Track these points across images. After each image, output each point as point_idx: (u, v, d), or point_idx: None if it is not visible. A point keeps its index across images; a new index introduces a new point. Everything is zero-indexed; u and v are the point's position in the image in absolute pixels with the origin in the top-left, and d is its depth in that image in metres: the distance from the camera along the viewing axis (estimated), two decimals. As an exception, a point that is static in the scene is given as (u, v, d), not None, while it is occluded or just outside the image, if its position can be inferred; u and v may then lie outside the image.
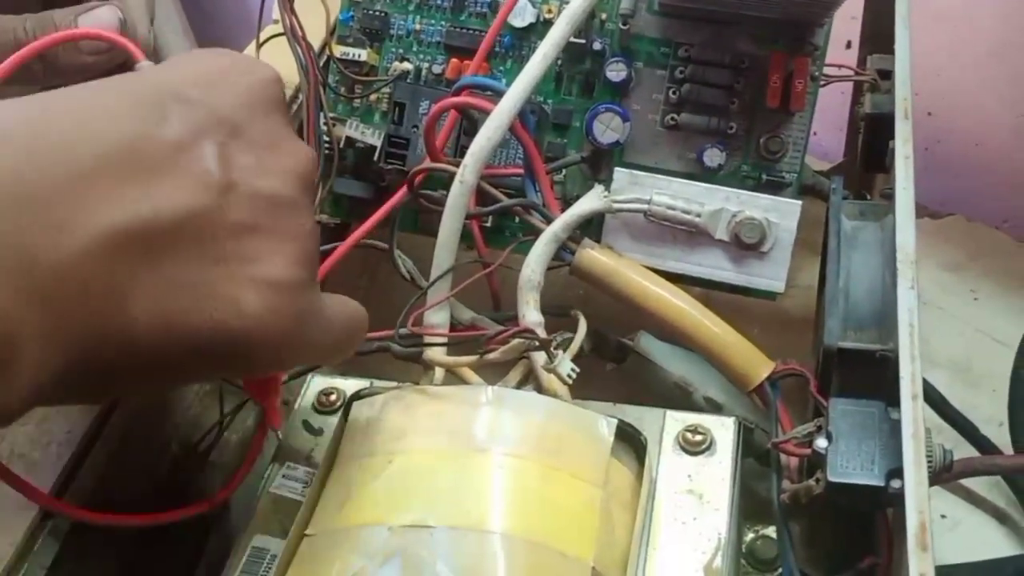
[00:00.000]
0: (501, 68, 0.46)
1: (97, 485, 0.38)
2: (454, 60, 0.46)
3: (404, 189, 0.43)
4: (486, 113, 0.39)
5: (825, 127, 0.54)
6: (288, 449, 0.41)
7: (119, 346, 0.27)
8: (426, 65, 0.47)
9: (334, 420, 0.41)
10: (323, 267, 0.41)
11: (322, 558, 0.34)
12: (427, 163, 0.40)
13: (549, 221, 0.40)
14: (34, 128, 0.26)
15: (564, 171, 0.46)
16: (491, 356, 0.37)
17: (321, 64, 0.48)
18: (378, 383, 0.42)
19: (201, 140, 0.28)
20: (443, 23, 0.47)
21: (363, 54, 0.46)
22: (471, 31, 0.46)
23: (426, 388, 0.37)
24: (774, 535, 0.39)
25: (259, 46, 0.48)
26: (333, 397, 0.42)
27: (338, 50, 0.46)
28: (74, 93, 0.28)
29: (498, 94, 0.39)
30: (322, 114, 0.46)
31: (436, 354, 0.38)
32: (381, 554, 0.32)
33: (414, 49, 0.47)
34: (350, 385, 0.42)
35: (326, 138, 0.46)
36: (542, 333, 0.38)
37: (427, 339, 0.38)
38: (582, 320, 0.40)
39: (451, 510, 0.33)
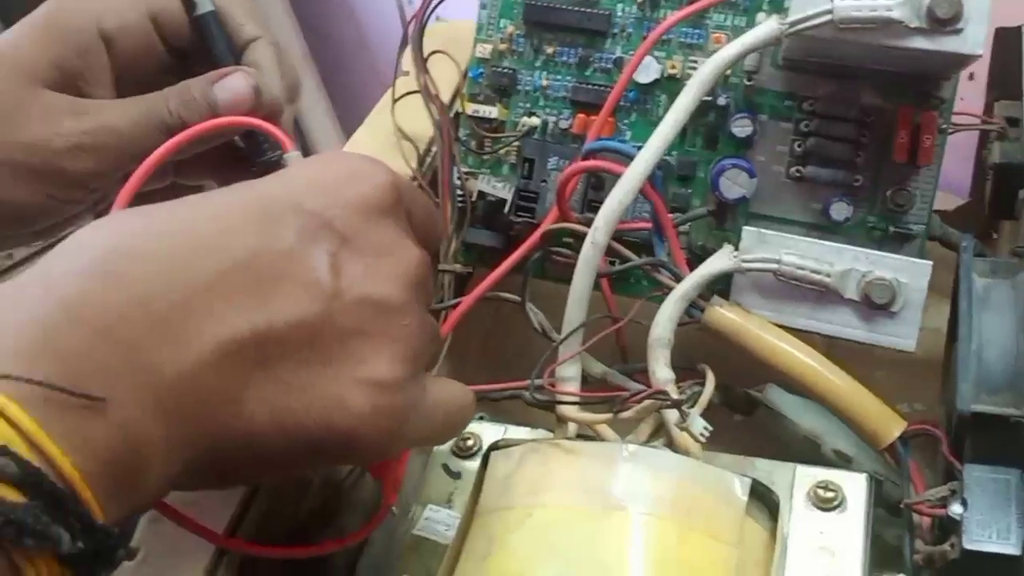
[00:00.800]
0: (626, 121, 0.47)
1: (260, 525, 0.41)
2: (580, 115, 0.48)
3: (529, 242, 0.44)
4: (615, 175, 0.41)
5: (948, 157, 0.54)
6: (429, 492, 0.43)
7: (236, 447, 0.29)
8: (553, 119, 0.48)
9: (471, 464, 0.43)
10: (450, 320, 0.43)
11: (468, 609, 0.36)
12: (559, 223, 0.42)
13: (678, 279, 0.41)
14: (160, 245, 0.28)
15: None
16: (624, 414, 0.38)
17: (452, 114, 0.50)
18: (512, 430, 0.44)
19: (313, 250, 0.30)
20: (569, 78, 0.48)
21: (493, 111, 0.48)
22: (596, 87, 0.47)
23: (561, 443, 0.39)
24: (902, 584, 0.40)
25: (395, 100, 0.50)
26: (470, 443, 0.44)
27: (469, 108, 0.48)
28: (196, 206, 0.30)
29: (627, 157, 0.41)
30: (455, 168, 0.48)
31: (570, 410, 0.40)
32: (524, 608, 0.34)
33: (541, 104, 0.49)
34: (486, 430, 0.44)
35: (459, 192, 0.48)
36: (673, 390, 0.39)
37: (558, 396, 0.40)
38: (710, 375, 0.41)
39: (590, 568, 0.34)
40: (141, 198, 0.34)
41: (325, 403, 0.30)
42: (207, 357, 0.28)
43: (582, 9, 0.47)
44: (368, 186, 0.33)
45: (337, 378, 0.30)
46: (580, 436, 0.40)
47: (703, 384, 0.41)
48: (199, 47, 0.42)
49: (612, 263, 0.44)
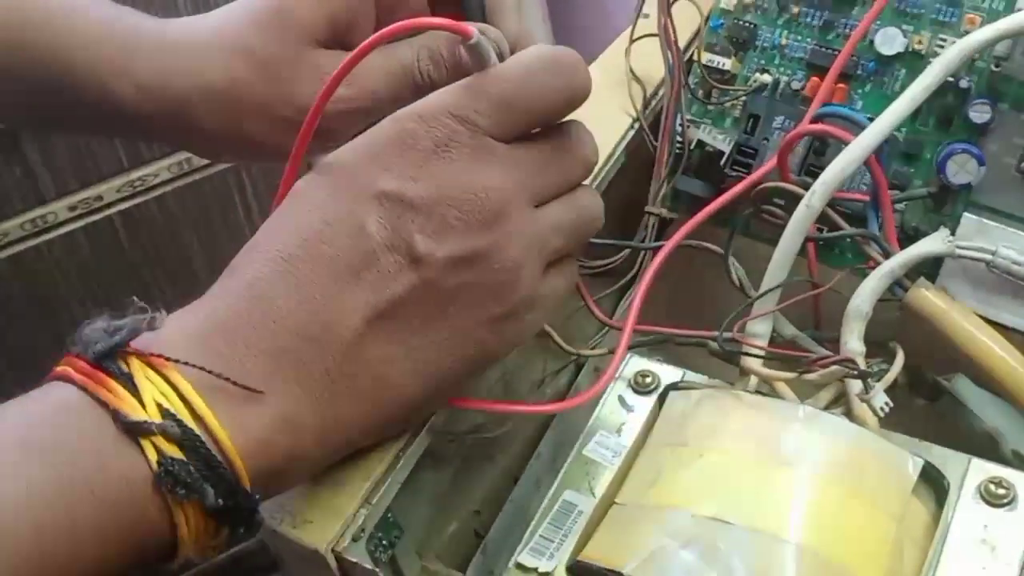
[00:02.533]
0: (859, 91, 0.47)
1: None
2: (814, 78, 0.48)
3: (732, 193, 0.45)
4: (843, 142, 0.41)
5: None
6: (602, 419, 0.45)
7: (392, 412, 0.35)
8: (785, 79, 0.48)
9: (646, 401, 0.45)
10: (655, 264, 0.45)
11: (628, 528, 0.38)
12: (776, 182, 0.43)
13: (887, 255, 0.41)
14: (285, 268, 0.33)
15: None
16: (809, 376, 0.39)
17: (684, 61, 0.51)
18: (690, 375, 0.45)
19: (392, 233, 0.34)
20: (809, 40, 0.48)
21: (727, 63, 0.49)
22: (836, 52, 0.47)
23: (740, 394, 0.40)
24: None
25: (632, 41, 0.52)
26: (648, 380, 0.45)
27: (705, 57, 0.49)
28: (300, 226, 0.34)
29: (857, 126, 0.41)
30: (679, 114, 0.49)
31: (754, 364, 0.41)
32: (682, 537, 0.36)
33: (776, 62, 0.49)
34: (665, 372, 0.46)
35: (679, 138, 0.49)
36: (862, 363, 0.39)
37: (747, 348, 0.41)
38: (900, 354, 0.41)
39: (752, 512, 0.36)
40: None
41: (463, 350, 0.35)
42: (345, 349, 0.33)
43: (836, -28, 0.47)
44: (416, 140, 0.34)
45: (464, 327, 0.35)
46: (758, 392, 0.42)
47: (890, 363, 0.41)
48: None
49: (820, 230, 0.45)
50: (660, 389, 0.44)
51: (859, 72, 0.47)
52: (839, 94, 0.47)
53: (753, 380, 0.42)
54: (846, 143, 0.40)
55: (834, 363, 0.38)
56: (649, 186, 0.50)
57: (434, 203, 0.34)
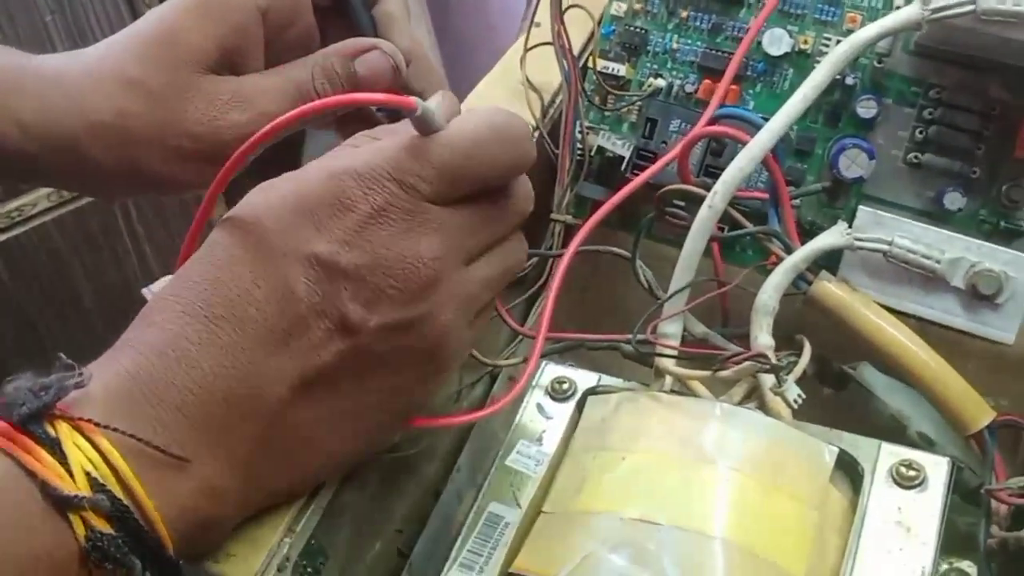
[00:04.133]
0: (751, 91, 0.48)
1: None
2: (707, 81, 0.49)
3: (624, 191, 0.45)
4: (737, 142, 0.42)
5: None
6: (522, 429, 0.45)
7: (318, 473, 0.35)
8: (679, 82, 0.49)
9: (564, 408, 0.45)
10: (560, 271, 0.45)
11: (558, 536, 0.38)
12: (677, 184, 0.43)
13: (788, 250, 0.42)
14: (208, 329, 0.32)
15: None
16: (723, 374, 0.40)
17: (579, 67, 0.51)
18: (606, 378, 0.46)
19: (324, 301, 0.33)
20: (699, 43, 0.49)
21: (622, 69, 0.49)
22: (726, 54, 0.48)
23: (658, 395, 0.41)
24: (967, 569, 0.41)
25: (527, 49, 0.52)
26: (565, 386, 0.46)
27: (599, 63, 0.50)
28: (227, 281, 0.33)
29: (754, 126, 0.42)
30: (578, 122, 0.49)
31: (669, 365, 0.41)
32: (612, 541, 0.36)
33: (669, 66, 0.50)
34: (580, 377, 0.46)
35: (579, 145, 0.49)
36: (772, 357, 0.40)
37: (660, 349, 0.42)
38: (807, 346, 0.42)
39: (678, 511, 0.36)
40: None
41: (392, 406, 0.35)
42: (271, 416, 0.32)
43: (721, -24, 0.48)
44: (354, 202, 0.33)
45: (394, 386, 0.35)
46: (674, 391, 0.42)
47: (798, 355, 0.42)
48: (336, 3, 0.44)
49: (722, 229, 0.46)
50: (578, 395, 0.45)
51: (749, 73, 0.48)
52: (731, 95, 0.48)
53: (668, 380, 0.42)
54: (743, 143, 0.41)
55: (747, 359, 0.39)
56: (553, 193, 0.50)
57: (368, 271, 0.33)
